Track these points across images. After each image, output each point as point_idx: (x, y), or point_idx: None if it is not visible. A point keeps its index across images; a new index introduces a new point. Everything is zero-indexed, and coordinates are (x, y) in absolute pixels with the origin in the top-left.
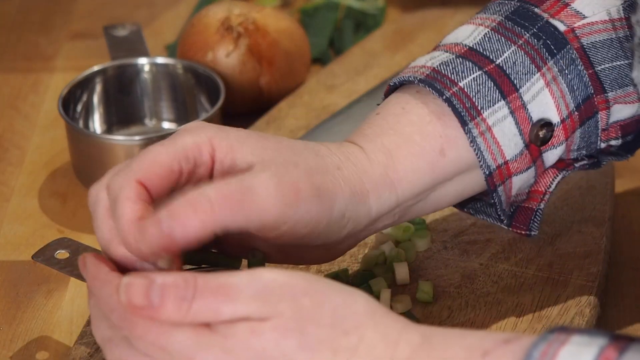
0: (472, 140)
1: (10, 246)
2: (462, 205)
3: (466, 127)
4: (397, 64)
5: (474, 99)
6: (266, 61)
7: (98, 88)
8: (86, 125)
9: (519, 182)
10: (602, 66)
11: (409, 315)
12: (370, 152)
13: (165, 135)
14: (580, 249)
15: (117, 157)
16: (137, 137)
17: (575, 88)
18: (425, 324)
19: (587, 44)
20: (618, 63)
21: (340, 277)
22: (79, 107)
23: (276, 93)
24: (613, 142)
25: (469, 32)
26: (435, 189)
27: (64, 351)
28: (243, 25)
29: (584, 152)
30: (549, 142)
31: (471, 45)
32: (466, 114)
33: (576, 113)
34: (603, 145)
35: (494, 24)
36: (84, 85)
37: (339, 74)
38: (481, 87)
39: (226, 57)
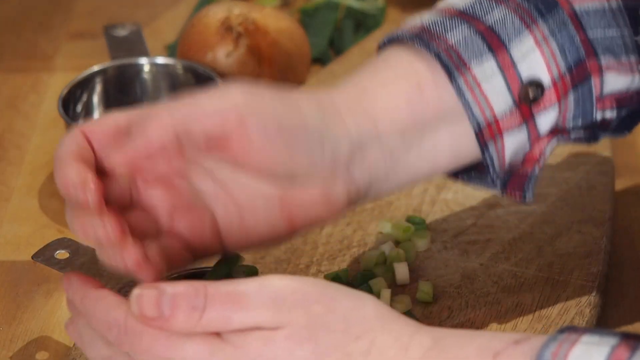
0: (460, 94)
1: (10, 246)
2: (455, 174)
3: (454, 81)
4: None
5: (462, 55)
6: (266, 61)
7: (98, 88)
8: None
9: (512, 144)
10: (595, 33)
11: (409, 315)
12: (340, 89)
13: None
14: (580, 249)
15: None
16: None
17: (566, 50)
18: (425, 324)
19: (579, 10)
20: (611, 33)
21: (340, 277)
22: (79, 107)
23: None
24: (608, 115)
25: None
26: (424, 134)
27: (63, 351)
28: (243, 25)
29: (579, 122)
30: (540, 104)
31: (462, 8)
32: (454, 68)
33: (568, 76)
34: (599, 116)
35: None
36: (84, 85)
37: (339, 74)
38: (470, 44)
39: (226, 57)
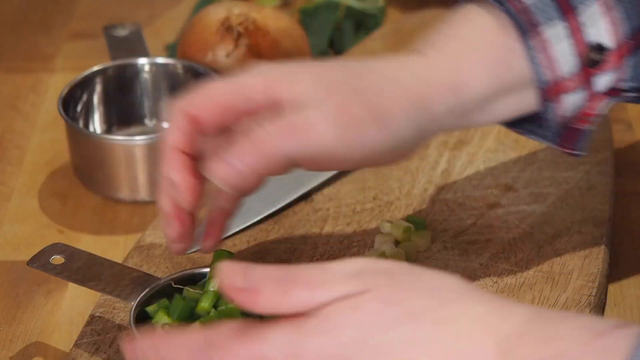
0: (530, 53)
1: (10, 246)
2: (511, 124)
3: (525, 40)
4: None
5: (534, 15)
6: (266, 61)
7: (98, 88)
8: (86, 125)
9: (570, 102)
10: None
11: None
12: (432, 59)
13: None
14: (580, 249)
15: (117, 157)
16: (137, 137)
17: (630, 15)
18: None
19: None
20: None
21: None
22: (79, 107)
23: None
24: None
25: None
26: (495, 99)
27: (63, 351)
28: (243, 25)
29: (634, 84)
30: (601, 67)
31: None
32: (526, 26)
33: (629, 41)
34: None
35: None
36: (84, 85)
37: None
38: (542, 4)
39: (226, 57)
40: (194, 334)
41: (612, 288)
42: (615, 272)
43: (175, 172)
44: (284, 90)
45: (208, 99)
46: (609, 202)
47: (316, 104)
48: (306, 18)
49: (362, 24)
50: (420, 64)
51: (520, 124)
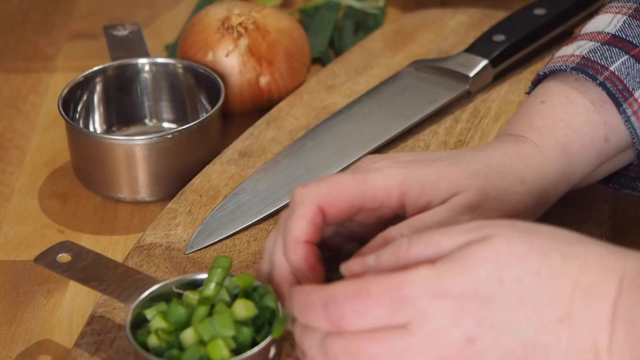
0: (627, 120)
1: (10, 246)
2: (605, 181)
3: (621, 108)
4: (397, 64)
5: (624, 81)
6: (266, 61)
7: (98, 88)
8: (86, 125)
9: None
10: None
11: None
12: (546, 150)
13: (165, 136)
14: None
15: (117, 157)
16: (137, 137)
17: None
18: None
19: None
20: None
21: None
22: (79, 107)
23: (276, 93)
24: None
25: (607, 20)
26: (597, 170)
27: (64, 351)
28: (243, 25)
29: None
30: None
31: (613, 32)
32: (620, 95)
33: None
34: None
35: (631, 10)
36: (84, 85)
37: (339, 74)
38: (630, 69)
39: (226, 57)
40: (338, 286)
41: None
42: None
43: (304, 261)
44: (421, 201)
45: (338, 194)
46: (609, 202)
47: (453, 208)
48: (306, 18)
49: (362, 24)
50: (536, 158)
51: (614, 178)
